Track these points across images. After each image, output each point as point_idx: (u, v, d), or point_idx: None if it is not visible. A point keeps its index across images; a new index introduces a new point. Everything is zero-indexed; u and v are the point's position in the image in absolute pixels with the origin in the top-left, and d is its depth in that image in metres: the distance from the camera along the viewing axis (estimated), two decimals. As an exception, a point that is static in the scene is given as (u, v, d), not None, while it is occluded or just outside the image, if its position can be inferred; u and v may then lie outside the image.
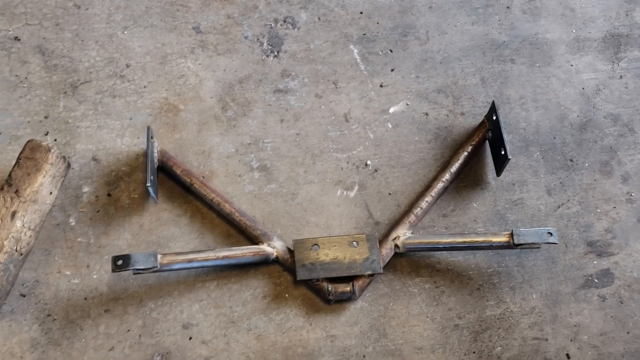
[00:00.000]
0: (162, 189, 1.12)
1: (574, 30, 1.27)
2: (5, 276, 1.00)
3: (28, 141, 1.05)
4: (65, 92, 1.18)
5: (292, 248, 1.06)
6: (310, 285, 1.06)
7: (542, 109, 1.20)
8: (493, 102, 1.11)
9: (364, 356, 1.02)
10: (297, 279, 1.03)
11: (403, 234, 1.07)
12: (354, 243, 1.05)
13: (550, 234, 1.01)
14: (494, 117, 1.11)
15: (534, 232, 1.02)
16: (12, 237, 1.00)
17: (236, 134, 1.16)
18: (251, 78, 1.21)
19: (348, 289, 1.04)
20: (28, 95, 1.17)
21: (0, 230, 1.00)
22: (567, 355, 1.03)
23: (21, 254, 1.03)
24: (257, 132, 1.17)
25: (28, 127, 1.15)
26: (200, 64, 1.22)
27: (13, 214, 1.01)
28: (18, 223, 1.01)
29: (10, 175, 1.03)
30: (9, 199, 1.02)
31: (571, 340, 1.04)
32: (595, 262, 1.09)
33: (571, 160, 1.16)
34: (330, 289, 1.04)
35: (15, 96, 1.17)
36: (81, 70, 1.20)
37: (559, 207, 1.13)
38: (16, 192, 1.02)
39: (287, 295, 1.06)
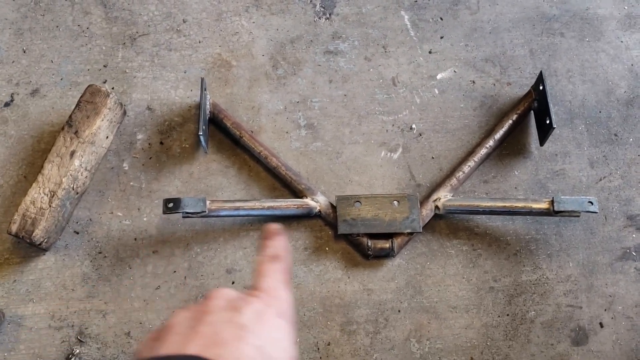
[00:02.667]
0: (212, 141, 1.16)
1: (625, 7, 1.27)
2: (62, 212, 1.06)
3: (88, 86, 1.10)
4: (124, 44, 1.23)
5: (334, 204, 1.09)
6: (350, 240, 1.09)
7: (589, 83, 1.21)
8: (541, 72, 1.12)
9: (399, 311, 1.05)
10: (338, 232, 1.06)
11: (444, 196, 1.09)
12: (395, 202, 1.08)
13: (591, 202, 1.02)
14: (541, 87, 1.12)
15: (574, 200, 1.03)
16: (70, 175, 1.05)
17: (285, 91, 1.20)
18: (302, 38, 1.24)
19: (387, 245, 1.06)
20: (89, 45, 1.22)
21: (60, 168, 1.05)
22: (601, 324, 1.05)
23: (77, 193, 1.08)
24: (305, 91, 1.20)
25: (88, 74, 1.20)
26: (254, 22, 1.25)
27: (72, 154, 1.06)
28: (76, 162, 1.06)
29: (70, 117, 1.08)
30: (68, 138, 1.07)
31: (605, 310, 1.06)
32: (634, 235, 1.10)
33: (616, 135, 1.17)
34: (369, 244, 1.06)
35: (77, 45, 1.22)
36: (140, 24, 1.24)
37: (600, 179, 1.14)
38: (75, 133, 1.07)
39: (327, 248, 1.09)
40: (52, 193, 1.03)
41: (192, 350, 0.50)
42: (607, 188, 1.13)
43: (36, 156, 1.13)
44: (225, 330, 0.52)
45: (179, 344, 0.52)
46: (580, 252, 1.09)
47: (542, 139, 1.13)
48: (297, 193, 1.11)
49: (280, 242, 0.66)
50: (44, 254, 1.07)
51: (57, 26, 1.24)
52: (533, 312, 1.05)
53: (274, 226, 0.68)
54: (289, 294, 0.60)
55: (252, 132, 1.15)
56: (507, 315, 1.05)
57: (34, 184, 1.04)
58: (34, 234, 1.01)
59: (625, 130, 1.17)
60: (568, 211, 1.03)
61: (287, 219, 1.10)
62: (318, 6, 1.27)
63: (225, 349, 0.50)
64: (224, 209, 1.05)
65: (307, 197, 1.09)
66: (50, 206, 1.03)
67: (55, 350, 1.02)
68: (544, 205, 1.04)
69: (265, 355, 0.52)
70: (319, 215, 1.10)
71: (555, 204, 1.03)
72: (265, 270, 0.61)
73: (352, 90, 1.20)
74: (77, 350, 1.02)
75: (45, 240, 1.04)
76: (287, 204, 1.08)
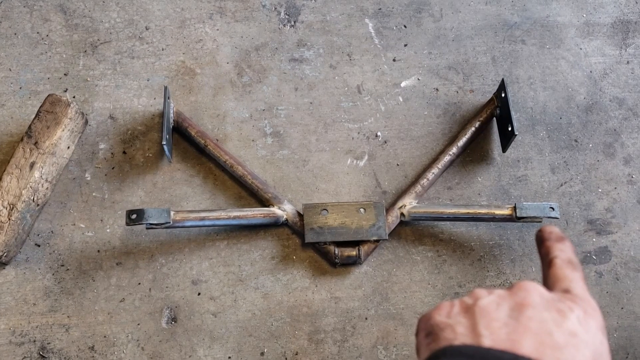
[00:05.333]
0: (176, 150, 1.14)
1: (584, 15, 1.30)
2: (22, 225, 1.03)
3: (48, 95, 1.08)
4: (85, 51, 1.20)
5: (301, 212, 1.09)
6: (318, 248, 1.09)
7: (550, 90, 1.23)
8: (503, 80, 1.13)
9: (366, 318, 1.06)
10: (306, 241, 1.06)
11: (409, 203, 1.10)
12: (362, 209, 1.08)
13: (552, 208, 1.04)
14: (503, 95, 1.14)
15: (536, 206, 1.05)
16: (30, 187, 1.03)
17: (251, 99, 1.19)
18: (267, 46, 1.24)
19: (354, 253, 1.07)
20: (49, 53, 1.20)
21: (19, 180, 1.03)
22: (563, 326, 1.07)
23: (38, 205, 1.06)
24: (271, 98, 1.19)
25: (48, 83, 1.17)
26: (218, 29, 1.24)
27: (32, 165, 1.04)
28: (36, 174, 1.04)
29: (30, 127, 1.06)
30: (28, 150, 1.05)
31: (567, 313, 1.07)
32: (594, 239, 1.12)
33: (576, 141, 1.19)
34: (336, 252, 1.07)
35: (36, 53, 1.20)
36: (101, 31, 1.22)
37: (561, 185, 1.16)
38: (35, 144, 1.05)
39: (294, 257, 1.09)
40: (11, 206, 1.01)
41: (525, 349, 0.46)
42: (568, 193, 1.15)
43: (-6, 167, 1.11)
44: (556, 333, 0.48)
45: (506, 337, 0.47)
46: (542, 257, 1.11)
47: (505, 146, 1.14)
48: (263, 202, 1.11)
49: (572, 247, 0.63)
50: (4, 268, 1.05)
51: (15, 33, 1.21)
52: (498, 317, 1.07)
53: (557, 230, 0.66)
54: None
55: (217, 140, 1.15)
56: (473, 320, 1.06)
57: (-8, 197, 1.02)
58: (-7, 248, 0.99)
59: (585, 136, 1.20)
60: (530, 217, 1.05)
61: (253, 228, 1.10)
62: (283, 13, 1.26)
63: (562, 355, 0.46)
64: (189, 219, 1.04)
65: (273, 206, 1.09)
66: (9, 219, 1.00)
67: (16, 366, 1.00)
68: (506, 211, 1.06)
69: None
70: (286, 224, 1.10)
71: (517, 210, 1.04)
72: (568, 275, 0.57)
73: (317, 98, 1.20)
74: (40, 366, 1.00)
75: (5, 254, 1.01)
76: (254, 213, 1.07)
